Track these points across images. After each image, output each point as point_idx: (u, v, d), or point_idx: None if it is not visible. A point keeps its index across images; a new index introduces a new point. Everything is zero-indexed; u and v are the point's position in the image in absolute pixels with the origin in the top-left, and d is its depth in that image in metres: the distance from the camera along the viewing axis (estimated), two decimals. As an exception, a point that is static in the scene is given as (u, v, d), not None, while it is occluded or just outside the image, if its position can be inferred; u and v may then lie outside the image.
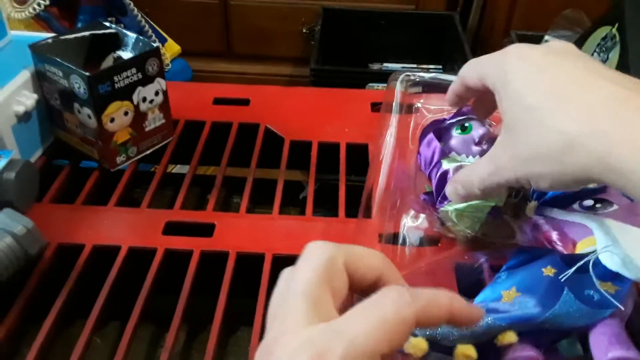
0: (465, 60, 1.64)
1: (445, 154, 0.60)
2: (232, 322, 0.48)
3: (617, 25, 1.22)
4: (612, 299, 0.42)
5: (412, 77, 0.67)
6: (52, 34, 0.68)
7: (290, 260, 0.56)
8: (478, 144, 0.59)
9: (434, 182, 0.58)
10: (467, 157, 0.59)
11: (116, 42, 0.70)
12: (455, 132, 0.61)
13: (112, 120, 0.64)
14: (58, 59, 0.62)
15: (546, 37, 1.68)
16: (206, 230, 0.60)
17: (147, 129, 0.69)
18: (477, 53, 1.83)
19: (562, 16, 1.68)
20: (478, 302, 0.46)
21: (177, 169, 0.84)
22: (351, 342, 0.27)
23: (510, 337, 0.41)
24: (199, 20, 2.01)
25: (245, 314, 0.52)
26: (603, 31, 1.28)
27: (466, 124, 0.61)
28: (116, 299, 0.55)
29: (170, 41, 1.48)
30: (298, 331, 0.28)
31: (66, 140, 0.70)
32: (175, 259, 0.58)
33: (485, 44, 2.00)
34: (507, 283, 0.46)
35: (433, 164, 0.59)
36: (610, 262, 0.43)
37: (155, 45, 0.66)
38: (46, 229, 0.56)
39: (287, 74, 2.10)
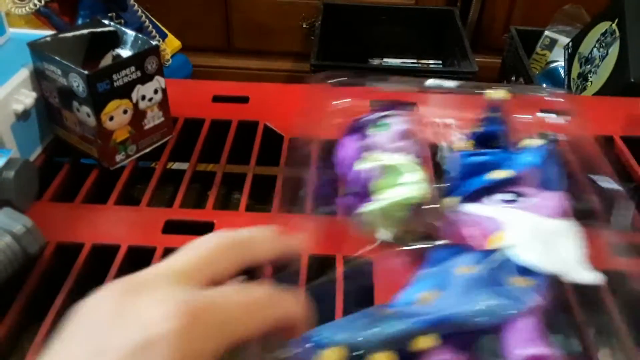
0: (465, 55, 1.65)
1: (362, 153, 0.59)
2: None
3: (616, 20, 1.22)
4: (526, 294, 0.41)
5: (334, 78, 0.68)
6: (51, 32, 0.68)
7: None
8: (396, 140, 0.59)
9: (352, 183, 0.57)
10: (387, 154, 0.58)
11: (115, 40, 0.70)
12: (374, 130, 0.60)
13: (111, 118, 0.64)
14: (57, 57, 0.62)
15: (546, 32, 1.68)
16: (205, 228, 0.61)
17: (146, 127, 0.69)
18: (477, 48, 1.83)
19: (561, 11, 1.68)
20: (396, 305, 0.44)
21: (176, 165, 0.84)
22: (224, 310, 0.30)
23: (429, 341, 0.39)
24: (199, 16, 2.01)
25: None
26: (603, 27, 1.28)
27: (385, 121, 0.61)
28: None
29: (170, 36, 1.48)
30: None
31: (65, 139, 0.70)
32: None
33: (485, 39, 2.00)
34: (422, 285, 0.45)
35: (350, 164, 0.58)
36: (523, 256, 0.43)
37: (154, 43, 0.66)
38: (45, 228, 0.56)
39: (288, 69, 2.10)
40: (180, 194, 0.65)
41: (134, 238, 0.59)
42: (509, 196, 0.50)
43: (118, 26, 0.70)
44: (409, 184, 0.54)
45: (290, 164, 0.60)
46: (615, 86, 1.17)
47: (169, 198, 0.76)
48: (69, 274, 0.55)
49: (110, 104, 0.63)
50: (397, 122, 0.60)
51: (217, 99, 0.82)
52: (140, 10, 1.26)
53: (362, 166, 0.57)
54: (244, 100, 0.81)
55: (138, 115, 0.67)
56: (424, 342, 0.39)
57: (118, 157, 0.68)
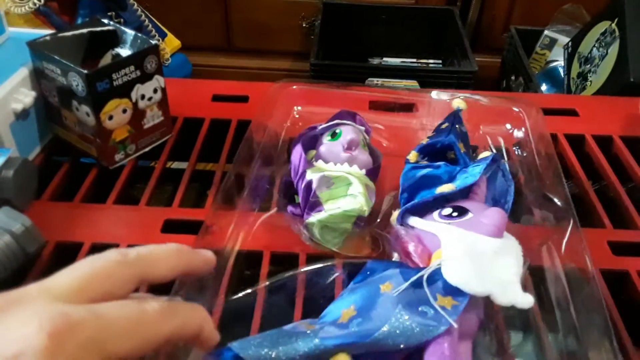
0: (465, 55, 1.66)
1: (310, 163, 0.58)
2: (230, 320, 0.48)
3: (616, 20, 1.22)
4: (446, 315, 0.39)
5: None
6: (51, 31, 0.68)
7: (288, 257, 0.57)
8: (347, 149, 0.58)
9: (300, 193, 0.56)
10: (335, 164, 0.58)
11: (114, 39, 0.70)
12: (326, 139, 0.60)
13: (110, 117, 0.64)
14: (56, 57, 0.62)
15: (546, 32, 1.68)
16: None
17: (145, 127, 0.69)
18: (476, 48, 1.83)
19: (561, 11, 1.68)
20: (321, 320, 0.42)
21: (176, 164, 0.84)
22: (104, 324, 0.29)
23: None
24: (199, 15, 2.01)
25: (243, 312, 0.52)
26: (602, 26, 1.28)
27: (337, 130, 0.60)
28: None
29: (170, 36, 1.48)
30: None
31: (65, 138, 0.70)
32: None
33: (485, 39, 2.00)
34: (347, 300, 0.43)
35: (299, 174, 0.57)
36: (450, 274, 0.41)
37: (153, 42, 0.66)
38: (44, 227, 0.56)
39: (287, 68, 2.10)
40: (180, 193, 0.65)
41: (133, 237, 0.59)
42: (449, 212, 0.48)
43: (117, 25, 0.70)
44: (352, 195, 0.54)
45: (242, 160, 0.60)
46: (615, 86, 1.17)
47: (168, 197, 0.75)
48: (68, 274, 0.55)
49: (110, 103, 0.63)
50: (346, 131, 0.59)
51: (216, 98, 0.82)
52: (139, 10, 1.26)
53: (310, 176, 0.56)
54: (243, 99, 0.81)
55: (137, 114, 0.67)
56: None
57: (117, 157, 0.68)
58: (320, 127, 0.61)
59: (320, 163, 0.58)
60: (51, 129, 0.71)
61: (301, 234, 0.56)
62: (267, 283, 0.52)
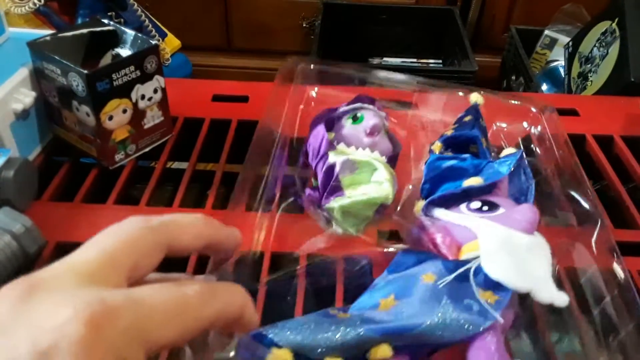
0: (465, 55, 1.65)
1: (333, 146, 0.57)
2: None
3: (617, 20, 1.22)
4: (492, 310, 0.38)
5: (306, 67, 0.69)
6: (51, 32, 0.68)
7: (288, 258, 0.57)
8: (370, 134, 0.57)
9: (320, 176, 0.55)
10: (357, 149, 0.57)
11: (114, 39, 0.69)
12: (347, 122, 0.58)
13: (110, 118, 0.64)
14: (56, 57, 0.62)
15: (546, 32, 1.68)
16: (205, 228, 0.60)
17: (145, 127, 0.69)
18: (477, 48, 1.83)
19: (562, 11, 1.68)
20: (355, 309, 0.42)
21: (176, 165, 0.84)
22: (144, 310, 0.26)
23: (384, 351, 0.37)
24: (199, 15, 2.01)
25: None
26: (603, 26, 1.28)
27: (359, 114, 0.58)
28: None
29: (170, 36, 1.48)
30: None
31: (65, 138, 0.70)
32: (174, 258, 0.58)
33: (485, 39, 2.00)
34: (385, 290, 0.42)
35: (319, 156, 0.56)
36: (492, 269, 0.40)
37: (153, 42, 0.66)
38: (45, 228, 0.56)
39: (287, 68, 2.10)
40: (180, 194, 0.65)
41: (133, 237, 0.59)
42: (479, 205, 0.47)
43: (117, 25, 0.70)
44: (377, 182, 0.53)
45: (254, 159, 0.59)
46: (616, 85, 1.17)
47: (169, 197, 0.75)
48: (68, 274, 0.55)
49: (110, 103, 0.63)
50: (369, 116, 0.58)
51: (216, 98, 0.82)
52: (139, 10, 1.26)
53: (333, 159, 0.54)
54: (243, 99, 0.81)
55: (137, 114, 0.67)
56: (382, 352, 0.37)
57: (117, 157, 0.68)
58: (341, 110, 0.59)
59: (342, 146, 0.57)
60: (51, 129, 0.71)
61: (319, 218, 0.54)
62: (301, 266, 0.51)
